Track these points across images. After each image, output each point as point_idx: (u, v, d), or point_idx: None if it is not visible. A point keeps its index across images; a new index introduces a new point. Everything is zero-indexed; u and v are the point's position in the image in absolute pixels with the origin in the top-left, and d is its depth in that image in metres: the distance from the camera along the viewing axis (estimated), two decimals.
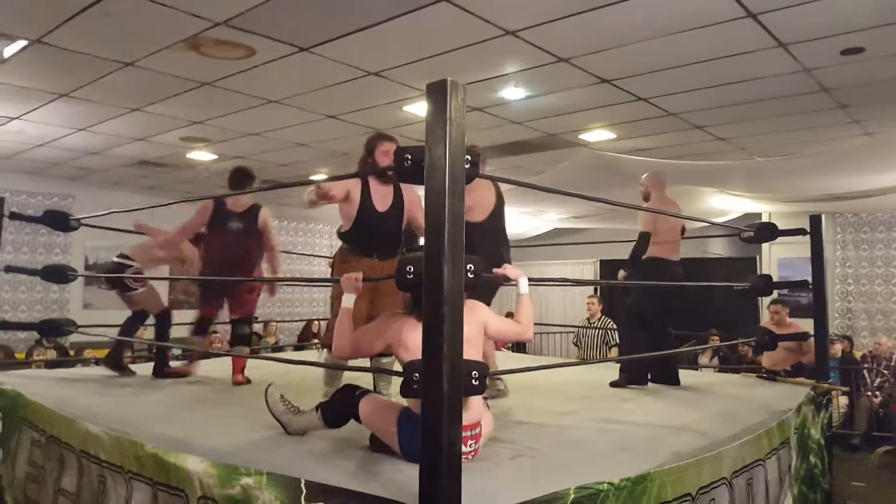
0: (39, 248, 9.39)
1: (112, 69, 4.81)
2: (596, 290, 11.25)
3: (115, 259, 4.92)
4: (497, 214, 4.04)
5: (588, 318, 8.03)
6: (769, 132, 6.32)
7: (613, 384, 4.75)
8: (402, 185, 3.62)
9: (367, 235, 3.56)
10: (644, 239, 4.79)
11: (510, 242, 4.47)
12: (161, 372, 4.75)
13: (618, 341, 7.26)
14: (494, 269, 3.06)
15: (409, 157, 2.26)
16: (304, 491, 2.23)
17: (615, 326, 7.47)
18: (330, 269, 3.96)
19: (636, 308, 4.93)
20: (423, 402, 1.99)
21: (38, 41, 4.30)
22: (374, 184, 3.52)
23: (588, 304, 8.10)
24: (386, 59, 4.63)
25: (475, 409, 2.61)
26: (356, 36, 4.19)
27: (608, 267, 12.32)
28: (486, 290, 3.85)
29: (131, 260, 4.78)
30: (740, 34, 4.12)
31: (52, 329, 5.03)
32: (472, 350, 2.47)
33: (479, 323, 2.74)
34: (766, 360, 6.35)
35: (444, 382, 1.93)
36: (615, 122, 6.21)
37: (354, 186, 3.50)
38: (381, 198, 3.54)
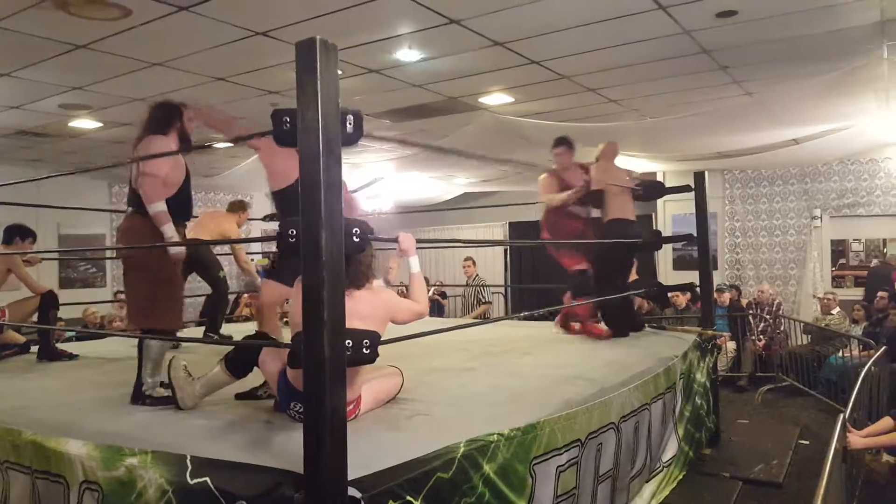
0: None
1: None
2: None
3: None
4: None
5: (466, 280, 9.17)
6: (658, 93, 6.53)
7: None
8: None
9: (185, 204, 3.44)
10: (595, 196, 5.28)
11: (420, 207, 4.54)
12: (47, 354, 4.56)
13: (488, 299, 9.06)
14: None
15: (288, 119, 2.20)
16: (190, 467, 2.18)
17: (485, 285, 9.13)
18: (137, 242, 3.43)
19: (600, 266, 5.27)
20: (304, 368, 1.98)
21: None
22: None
23: (465, 266, 9.23)
24: (273, 19, 4.44)
25: (355, 386, 2.64)
26: None
27: (516, 228, 12.57)
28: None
29: None
30: None
31: None
32: (370, 325, 2.49)
33: (383, 303, 2.76)
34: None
35: (326, 349, 1.92)
36: (512, 86, 6.25)
37: (173, 160, 3.30)
38: (185, 165, 3.44)
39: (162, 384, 3.27)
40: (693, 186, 5.36)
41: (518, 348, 4.73)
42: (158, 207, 3.20)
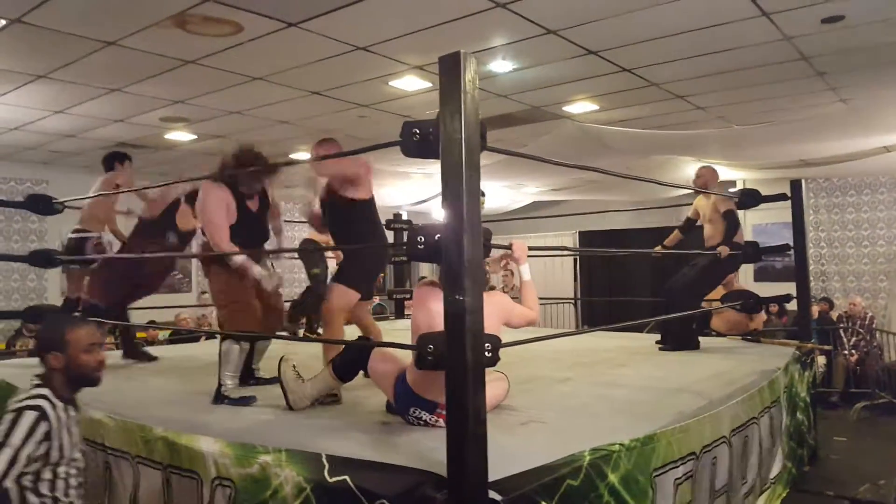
0: (14, 236, 9.15)
1: (94, 49, 4.68)
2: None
3: (72, 236, 4.93)
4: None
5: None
6: (748, 101, 6.39)
7: (663, 348, 5.06)
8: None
9: (256, 230, 3.67)
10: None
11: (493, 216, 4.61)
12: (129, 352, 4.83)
13: None
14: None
15: (418, 131, 2.27)
16: (327, 465, 2.25)
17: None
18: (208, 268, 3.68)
19: (702, 282, 5.17)
20: (447, 372, 2.03)
21: (19, 20, 4.16)
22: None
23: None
24: (374, 34, 4.57)
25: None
26: (345, 10, 4.13)
27: (586, 238, 12.43)
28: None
29: (86, 231, 4.85)
30: (724, 3, 4.14)
31: (36, 316, 5.00)
32: (486, 325, 2.55)
33: (499, 306, 2.82)
34: (722, 323, 6.38)
35: (468, 353, 1.97)
36: (599, 94, 6.22)
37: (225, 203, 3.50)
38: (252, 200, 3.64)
39: (257, 380, 3.67)
40: (789, 195, 5.22)
41: (609, 359, 4.69)
42: (238, 259, 3.42)
